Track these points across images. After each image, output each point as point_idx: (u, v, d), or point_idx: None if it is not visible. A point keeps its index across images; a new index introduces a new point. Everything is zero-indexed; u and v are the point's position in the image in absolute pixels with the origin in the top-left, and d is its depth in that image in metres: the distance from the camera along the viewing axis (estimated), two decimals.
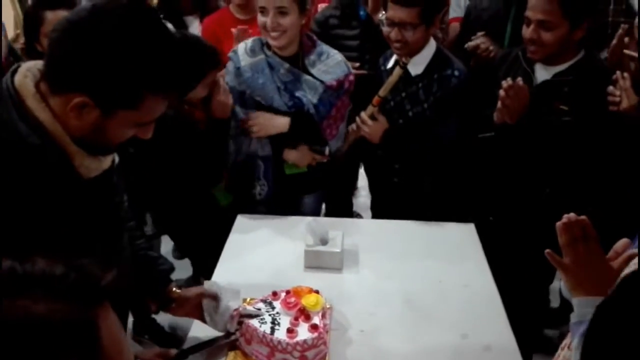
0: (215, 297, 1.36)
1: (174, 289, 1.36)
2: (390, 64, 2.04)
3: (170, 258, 2.72)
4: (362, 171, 3.45)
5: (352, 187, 3.55)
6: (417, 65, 1.94)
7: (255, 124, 1.94)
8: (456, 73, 1.92)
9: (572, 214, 1.09)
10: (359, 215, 3.46)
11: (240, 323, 1.37)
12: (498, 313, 1.51)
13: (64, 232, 0.98)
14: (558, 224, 1.08)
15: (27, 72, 0.98)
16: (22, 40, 2.08)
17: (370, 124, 1.95)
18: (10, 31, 2.27)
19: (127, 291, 1.27)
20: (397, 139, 1.98)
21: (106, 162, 1.08)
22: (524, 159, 1.82)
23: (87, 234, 1.05)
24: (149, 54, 0.94)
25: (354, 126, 2.02)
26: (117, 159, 1.19)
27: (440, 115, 1.93)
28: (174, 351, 1.30)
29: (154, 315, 2.62)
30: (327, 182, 2.20)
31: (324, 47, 2.00)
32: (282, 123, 1.94)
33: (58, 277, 0.51)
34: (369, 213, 3.22)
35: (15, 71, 0.98)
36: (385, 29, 1.94)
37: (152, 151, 1.72)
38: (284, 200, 2.07)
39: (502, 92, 1.70)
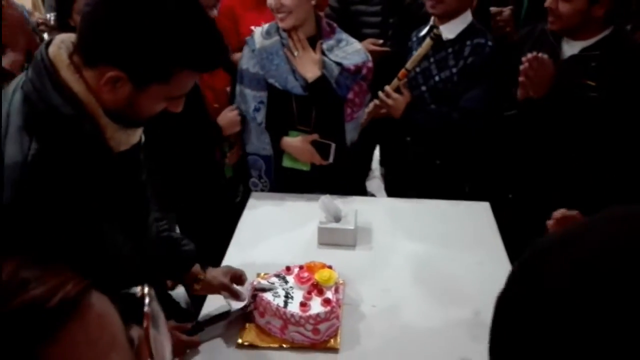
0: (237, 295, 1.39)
1: (200, 270, 1.38)
2: (423, 32, 2.03)
3: None
4: (376, 153, 3.45)
5: (367, 169, 3.54)
6: (450, 31, 1.94)
7: (298, 52, 1.87)
8: (490, 43, 1.91)
9: (561, 211, 1.08)
10: (372, 196, 3.46)
11: (254, 296, 1.39)
12: None
13: (94, 205, 1.01)
14: (548, 222, 1.08)
15: (61, 44, 0.99)
16: (37, 15, 2.09)
17: (395, 96, 1.95)
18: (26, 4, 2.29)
19: (148, 270, 1.29)
20: (420, 113, 1.96)
21: (135, 136, 1.09)
22: (547, 136, 1.80)
23: (116, 208, 1.07)
24: (182, 29, 0.95)
25: (376, 101, 2.00)
26: (143, 138, 1.20)
27: (468, 82, 1.91)
28: (189, 325, 1.32)
29: (170, 292, 2.67)
30: (331, 185, 2.03)
31: (344, 35, 1.97)
32: (315, 67, 1.86)
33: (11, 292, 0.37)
34: (383, 193, 3.24)
35: (49, 43, 1.00)
36: None
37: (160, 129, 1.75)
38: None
39: (525, 65, 1.68)
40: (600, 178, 1.68)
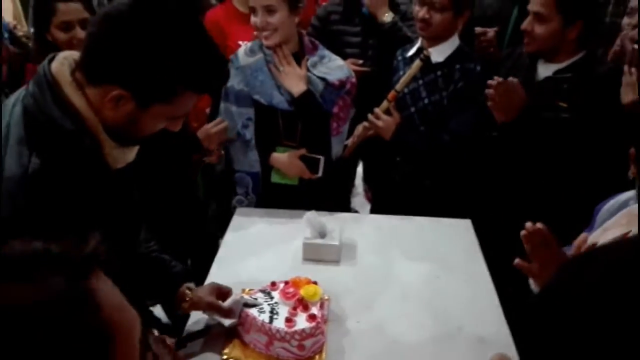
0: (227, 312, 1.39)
1: (187, 291, 1.37)
2: (410, 53, 2.07)
3: None
4: (359, 170, 3.49)
5: (350, 185, 3.57)
6: (438, 54, 1.98)
7: (284, 68, 1.89)
8: (478, 68, 1.96)
9: (529, 224, 1.16)
10: (356, 212, 3.48)
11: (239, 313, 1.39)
12: (493, 306, 1.53)
13: (87, 221, 1.00)
14: (521, 233, 1.17)
15: (64, 60, 1.01)
16: (23, 29, 2.09)
17: (385, 118, 1.98)
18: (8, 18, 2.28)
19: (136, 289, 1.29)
20: (410, 134, 1.99)
21: (131, 154, 1.11)
22: (523, 156, 1.85)
23: (109, 224, 1.07)
24: (186, 51, 0.97)
25: (365, 123, 2.03)
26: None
27: (458, 106, 1.95)
28: (171, 340, 1.32)
29: (151, 308, 2.64)
30: (316, 201, 2.03)
31: (326, 52, 2.01)
32: (300, 82, 1.88)
33: (40, 254, 0.49)
34: (366, 210, 3.26)
35: (52, 59, 1.01)
36: (415, 8, 1.99)
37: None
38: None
39: (490, 90, 1.73)
40: (572, 195, 1.73)
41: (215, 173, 2.13)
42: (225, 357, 1.35)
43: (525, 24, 1.78)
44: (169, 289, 1.37)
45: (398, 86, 1.99)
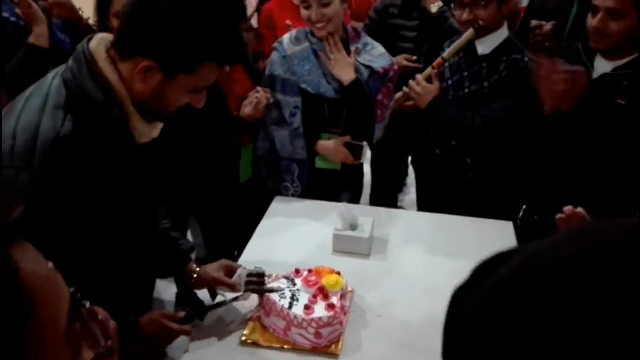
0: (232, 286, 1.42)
1: (194, 266, 1.44)
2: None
3: None
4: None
5: (399, 183, 3.52)
6: (485, 45, 1.94)
7: (334, 56, 1.91)
8: (525, 59, 1.90)
9: (568, 207, 1.10)
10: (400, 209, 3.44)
11: (255, 291, 1.42)
12: None
13: (112, 193, 1.09)
14: (557, 217, 1.12)
15: (101, 40, 1.10)
16: (94, 18, 2.22)
17: (424, 84, 1.97)
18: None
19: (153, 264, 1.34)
20: (446, 107, 1.97)
21: (155, 130, 1.17)
22: (575, 154, 1.76)
23: (131, 196, 1.15)
24: (209, 25, 1.05)
25: (405, 88, 2.02)
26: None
27: (497, 94, 1.90)
28: (181, 314, 1.35)
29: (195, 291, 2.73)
30: (360, 180, 2.19)
31: (368, 39, 2.03)
32: (350, 70, 1.90)
33: None
34: (414, 209, 3.21)
35: (90, 38, 1.11)
36: (457, 13, 1.96)
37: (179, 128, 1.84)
38: (318, 198, 2.06)
39: (562, 75, 1.64)
40: (627, 197, 1.62)
41: (255, 158, 2.17)
42: (244, 338, 1.38)
43: (597, 22, 1.66)
44: (177, 265, 1.43)
45: (445, 54, 1.97)
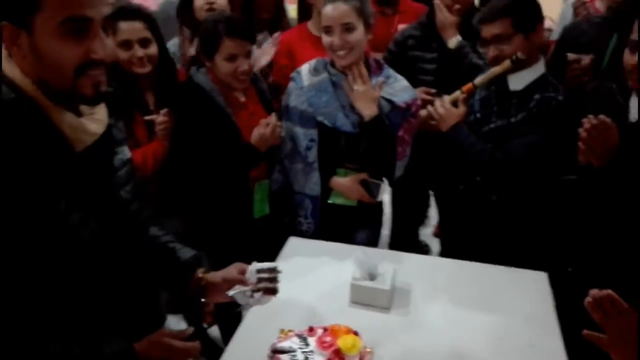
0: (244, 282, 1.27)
1: (201, 275, 1.27)
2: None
3: None
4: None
5: (422, 216, 3.38)
6: (518, 81, 1.83)
7: (358, 87, 1.79)
8: (559, 98, 1.77)
9: (594, 291, 1.05)
10: (426, 247, 3.29)
11: (267, 289, 1.28)
12: None
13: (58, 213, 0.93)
14: (586, 301, 1.06)
15: None
16: None
17: (448, 107, 1.87)
18: None
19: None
20: (467, 135, 1.85)
21: (93, 125, 1.01)
22: (612, 206, 1.60)
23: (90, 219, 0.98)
24: None
25: (430, 107, 1.92)
26: (128, 154, 1.13)
27: (524, 132, 1.77)
28: (188, 330, 1.15)
29: (206, 328, 2.63)
30: (379, 218, 2.08)
31: (391, 71, 1.93)
32: (373, 104, 1.80)
33: None
34: (437, 244, 3.07)
35: None
36: (482, 51, 1.89)
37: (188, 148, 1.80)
38: (333, 235, 1.94)
39: (582, 132, 1.51)
40: None
41: (270, 193, 2.07)
42: None
43: (636, 60, 1.52)
44: (180, 275, 1.26)
45: (477, 80, 1.87)
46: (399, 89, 1.89)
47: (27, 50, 0.92)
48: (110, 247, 1.03)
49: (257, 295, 1.25)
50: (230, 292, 1.25)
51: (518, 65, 1.78)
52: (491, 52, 1.79)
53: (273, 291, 1.27)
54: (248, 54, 1.86)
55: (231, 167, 1.90)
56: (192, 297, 1.27)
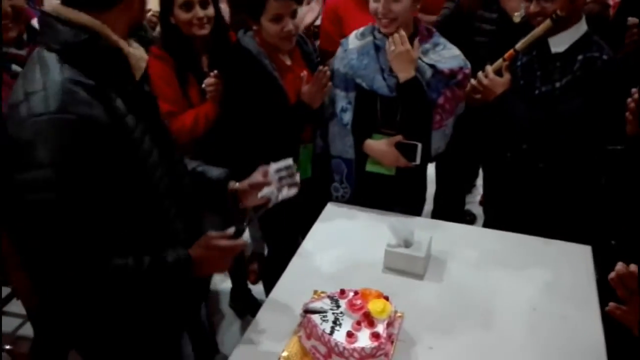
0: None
1: (232, 187, 1.40)
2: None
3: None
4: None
5: (468, 184, 3.32)
6: (559, 43, 1.75)
7: (395, 48, 1.76)
8: (604, 57, 1.69)
9: (619, 266, 1.03)
10: (471, 216, 3.24)
11: (290, 185, 1.38)
12: (597, 356, 1.29)
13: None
14: (610, 276, 1.04)
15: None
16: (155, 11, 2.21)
17: (492, 77, 1.80)
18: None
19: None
20: (515, 103, 1.79)
21: (143, 53, 1.14)
22: None
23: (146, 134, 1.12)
24: None
25: (473, 81, 1.86)
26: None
27: (571, 97, 1.70)
28: (230, 231, 1.28)
29: (250, 286, 2.73)
30: (421, 189, 2.02)
31: (442, 40, 1.87)
32: (410, 66, 1.76)
33: None
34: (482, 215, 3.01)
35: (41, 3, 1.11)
36: (524, 6, 1.80)
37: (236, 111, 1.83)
38: (371, 206, 1.93)
39: (630, 102, 1.43)
40: None
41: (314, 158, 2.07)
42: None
43: None
44: (216, 190, 1.39)
45: (518, 45, 1.79)
46: (447, 56, 1.83)
47: None
48: (166, 172, 1.17)
49: (284, 190, 1.37)
50: (260, 194, 1.37)
51: (559, 25, 1.70)
52: (533, 7, 1.71)
53: (295, 184, 1.38)
54: (293, 14, 1.84)
55: (280, 130, 1.92)
56: (232, 206, 1.41)
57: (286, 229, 2.17)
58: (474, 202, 3.38)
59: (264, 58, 1.89)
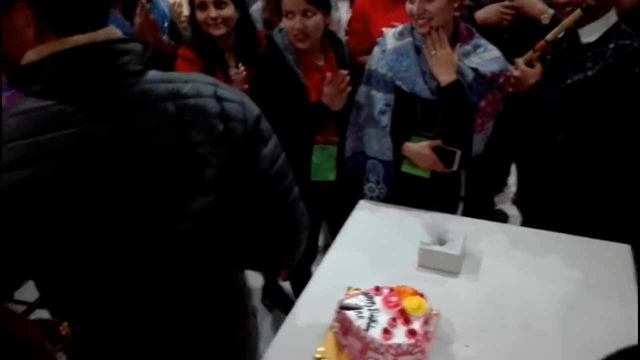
0: None
1: None
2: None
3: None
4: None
5: (500, 183, 3.27)
6: (589, 33, 1.73)
7: (436, 52, 1.75)
8: (635, 44, 1.66)
9: None
10: (503, 215, 3.20)
11: None
12: None
13: None
14: None
15: None
16: (185, 12, 2.26)
17: (523, 68, 1.79)
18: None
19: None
20: (548, 93, 1.78)
21: None
22: None
23: None
24: None
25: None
26: None
27: (603, 85, 1.68)
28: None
29: (280, 283, 2.75)
30: (456, 193, 2.00)
31: (482, 41, 1.85)
32: (451, 70, 1.75)
33: None
34: (516, 213, 2.97)
35: None
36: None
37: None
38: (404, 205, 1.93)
39: None
40: None
41: (343, 157, 2.08)
42: (318, 356, 1.31)
43: None
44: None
45: (549, 36, 1.77)
46: (488, 58, 1.81)
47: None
48: None
49: None
50: None
51: (589, 15, 1.68)
52: None
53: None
54: (304, 13, 1.84)
55: (295, 127, 1.92)
56: None
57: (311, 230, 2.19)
58: (506, 200, 3.33)
59: (289, 54, 1.90)
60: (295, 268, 2.28)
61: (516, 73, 1.79)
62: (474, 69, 1.78)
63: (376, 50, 1.93)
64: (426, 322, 1.31)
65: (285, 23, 1.87)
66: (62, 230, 0.81)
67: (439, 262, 1.55)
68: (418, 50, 1.83)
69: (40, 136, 0.79)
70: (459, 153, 1.85)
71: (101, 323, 0.94)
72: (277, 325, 2.51)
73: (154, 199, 0.87)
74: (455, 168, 1.87)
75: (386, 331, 1.25)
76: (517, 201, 3.13)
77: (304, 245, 1.07)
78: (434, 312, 1.39)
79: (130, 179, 0.85)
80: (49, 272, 0.86)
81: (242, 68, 1.91)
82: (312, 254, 2.18)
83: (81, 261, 0.84)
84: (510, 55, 2.12)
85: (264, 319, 2.59)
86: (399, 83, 1.85)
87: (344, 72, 1.86)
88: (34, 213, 0.79)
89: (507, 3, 2.23)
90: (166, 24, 2.47)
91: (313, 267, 2.26)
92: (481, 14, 2.27)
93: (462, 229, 1.64)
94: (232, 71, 1.93)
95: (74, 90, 0.82)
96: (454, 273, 1.55)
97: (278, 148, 1.01)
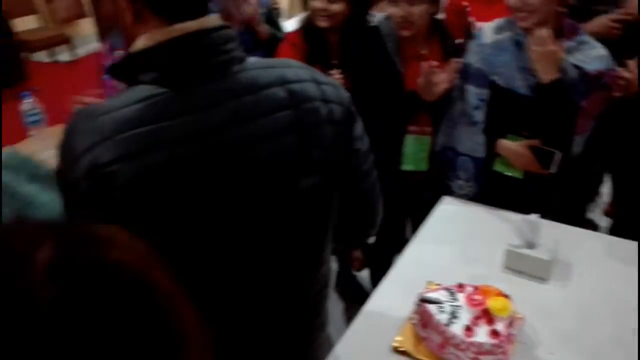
0: None
1: None
2: None
3: None
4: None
5: (592, 193, 3.09)
6: None
7: (540, 48, 1.67)
8: None
9: None
10: (594, 226, 3.02)
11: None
12: None
13: None
14: None
15: None
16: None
17: (634, 69, 1.69)
18: None
19: None
20: None
21: None
22: None
23: None
24: None
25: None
26: None
27: None
28: None
29: (355, 273, 2.77)
30: (552, 198, 1.89)
31: (587, 37, 1.75)
32: (554, 68, 1.66)
33: None
34: (606, 223, 2.80)
35: None
36: None
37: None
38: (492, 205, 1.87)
39: None
40: None
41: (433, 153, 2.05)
42: (396, 344, 1.32)
43: None
44: None
45: None
46: (592, 56, 1.71)
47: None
48: None
49: None
50: None
51: None
52: None
53: None
54: (409, 0, 1.82)
55: (389, 114, 1.91)
56: None
57: (393, 220, 2.17)
58: (597, 210, 3.14)
59: (389, 41, 1.89)
60: (378, 256, 2.28)
61: (627, 75, 1.68)
62: (578, 67, 1.69)
63: (474, 43, 1.88)
64: (510, 324, 1.27)
65: (389, 10, 1.86)
66: (177, 216, 0.83)
67: (527, 266, 1.50)
68: (518, 44, 1.76)
69: (159, 123, 0.80)
70: (558, 154, 1.75)
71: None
72: (347, 313, 2.54)
73: (264, 181, 0.89)
74: (553, 171, 1.77)
75: (468, 328, 1.23)
76: (610, 212, 2.95)
77: (381, 213, 1.13)
78: (519, 315, 1.34)
79: (242, 165, 0.86)
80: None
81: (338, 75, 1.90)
82: (398, 245, 2.17)
83: (192, 245, 0.86)
84: (619, 57, 2.00)
85: (337, 305, 2.62)
86: (494, 78, 1.79)
87: (433, 62, 1.81)
88: (158, 199, 0.81)
89: (616, 16, 2.10)
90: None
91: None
92: (589, 27, 2.15)
93: (553, 233, 1.57)
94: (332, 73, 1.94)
95: (187, 76, 0.84)
96: (542, 279, 1.49)
97: (363, 127, 1.04)
